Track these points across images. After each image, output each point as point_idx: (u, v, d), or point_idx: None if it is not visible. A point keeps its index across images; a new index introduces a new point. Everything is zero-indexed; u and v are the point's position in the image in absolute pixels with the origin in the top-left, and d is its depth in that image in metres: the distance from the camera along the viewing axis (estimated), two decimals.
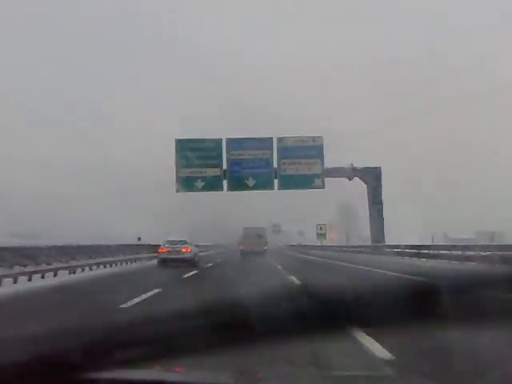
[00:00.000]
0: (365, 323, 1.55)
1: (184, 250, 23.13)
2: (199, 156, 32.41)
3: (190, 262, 22.20)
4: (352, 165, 33.31)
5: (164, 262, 22.41)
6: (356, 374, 2.88)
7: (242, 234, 41.98)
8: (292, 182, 32.70)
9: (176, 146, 32.62)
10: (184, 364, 1.73)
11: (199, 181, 32.27)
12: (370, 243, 36.33)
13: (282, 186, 32.98)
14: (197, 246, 26.18)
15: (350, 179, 33.67)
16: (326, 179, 32.92)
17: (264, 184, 32.89)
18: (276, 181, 32.80)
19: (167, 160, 32.90)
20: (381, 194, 33.40)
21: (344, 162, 33.81)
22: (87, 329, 1.57)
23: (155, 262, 23.85)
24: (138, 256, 26.59)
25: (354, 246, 44.49)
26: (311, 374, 2.42)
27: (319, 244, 58.53)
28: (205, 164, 32.39)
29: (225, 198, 37.00)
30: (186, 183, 32.29)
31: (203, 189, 32.60)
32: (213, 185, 32.51)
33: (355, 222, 67.63)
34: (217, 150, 32.68)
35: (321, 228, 57.36)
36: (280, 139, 33.07)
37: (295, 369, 2.97)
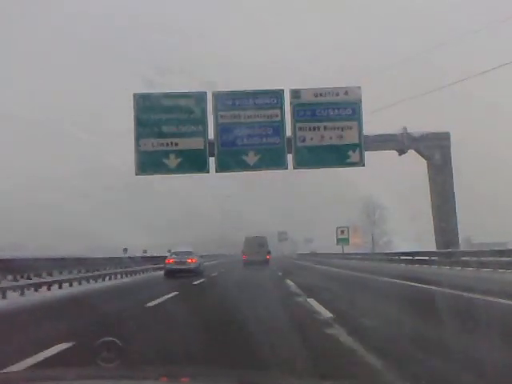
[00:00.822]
0: None
1: (189, 260, 24.05)
2: (170, 120, 20.93)
3: (196, 272, 23.10)
4: (406, 129, 21.77)
5: (170, 273, 23.12)
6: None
7: (244, 243, 39.80)
8: (314, 157, 21.11)
9: (135, 105, 21.10)
10: (188, 373, 2.25)
11: (171, 157, 20.73)
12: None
13: (300, 163, 21.38)
14: (201, 256, 27.43)
15: (401, 152, 22.09)
16: (366, 154, 21.38)
17: (272, 161, 21.31)
18: (290, 156, 21.29)
19: None
20: (451, 175, 21.82)
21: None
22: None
23: (158, 272, 25.51)
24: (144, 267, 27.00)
25: (394, 253, 32.82)
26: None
27: (339, 252, 47.17)
28: (180, 132, 20.90)
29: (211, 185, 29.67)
30: (150, 161, 20.78)
31: (177, 170, 21.04)
32: (192, 164, 20.96)
33: (382, 225, 56.31)
34: (199, 109, 21.13)
35: (342, 231, 45.98)
36: (295, 92, 21.51)
37: (293, 379, 2.82)
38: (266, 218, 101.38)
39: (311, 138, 21.26)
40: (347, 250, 46.41)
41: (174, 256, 24.52)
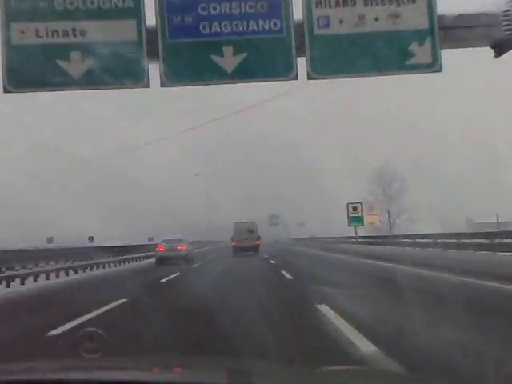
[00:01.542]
0: None
1: (180, 247, 25.07)
2: None
3: (186, 259, 24.21)
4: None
5: (161, 260, 24.13)
6: (346, 369, 2.93)
7: (233, 229, 38.77)
8: (345, 57, 11.14)
9: None
10: (180, 363, 2.31)
11: (74, 58, 10.71)
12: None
13: (319, 68, 11.17)
14: (191, 243, 28.96)
15: (499, 51, 12.16)
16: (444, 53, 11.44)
17: (266, 64, 11.28)
18: (303, 60, 11.29)
19: None
20: None
21: None
22: None
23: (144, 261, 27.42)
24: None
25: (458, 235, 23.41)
26: (302, 371, 2.42)
27: (343, 235, 38.07)
28: (91, 10, 10.85)
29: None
30: (32, 66, 10.78)
31: (85, 81, 10.93)
32: (115, 70, 10.94)
33: (399, 200, 46.41)
34: None
35: (354, 209, 36.25)
36: None
37: (286, 367, 2.88)
38: (256, 200, 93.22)
39: (340, 21, 11.21)
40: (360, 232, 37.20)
41: (164, 244, 25.32)
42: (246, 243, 35.76)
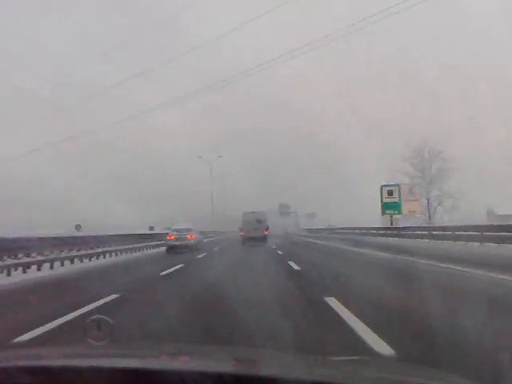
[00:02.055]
0: None
1: (189, 236, 25.36)
2: None
3: (195, 247, 24.67)
4: None
5: (172, 248, 24.57)
6: (355, 359, 2.93)
7: (242, 219, 38.35)
8: None
9: None
10: (186, 351, 2.32)
11: None
12: None
13: None
14: (201, 232, 30.27)
15: None
16: None
17: None
18: None
19: None
20: None
21: None
22: None
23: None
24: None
25: None
26: (306, 360, 2.43)
27: (377, 226, 32.37)
28: None
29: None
30: None
31: None
32: None
33: (438, 182, 39.88)
34: None
35: (390, 193, 31.06)
36: None
37: (292, 356, 2.87)
38: (266, 190, 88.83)
39: None
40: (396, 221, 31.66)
41: (174, 232, 25.88)
42: (254, 233, 35.41)
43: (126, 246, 25.21)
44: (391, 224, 31.16)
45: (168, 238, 25.76)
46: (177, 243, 24.67)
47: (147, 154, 71.88)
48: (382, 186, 32.13)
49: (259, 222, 37.24)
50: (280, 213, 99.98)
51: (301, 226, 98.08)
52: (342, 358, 2.73)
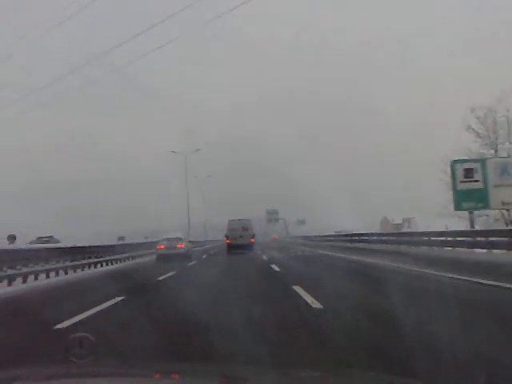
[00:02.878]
0: None
1: (179, 245, 26.50)
2: None
3: (185, 256, 25.43)
4: None
5: (162, 257, 25.36)
6: (343, 372, 3.00)
7: (227, 226, 38.02)
8: None
9: None
10: (178, 370, 2.24)
11: None
12: None
13: None
14: (190, 242, 31.76)
15: None
16: None
17: None
18: None
19: None
20: None
21: None
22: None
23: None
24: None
25: None
26: (297, 376, 2.38)
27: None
28: None
29: None
30: None
31: None
32: None
33: None
34: None
35: (469, 172, 21.98)
36: None
37: (280, 372, 2.70)
38: (254, 196, 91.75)
39: None
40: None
41: (165, 242, 26.85)
42: (240, 241, 35.29)
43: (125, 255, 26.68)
44: (471, 226, 21.70)
45: (158, 247, 26.76)
46: (166, 252, 25.58)
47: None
48: (452, 162, 22.67)
49: (245, 229, 36.84)
50: (267, 220, 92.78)
51: (290, 233, 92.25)
52: (332, 372, 2.92)
